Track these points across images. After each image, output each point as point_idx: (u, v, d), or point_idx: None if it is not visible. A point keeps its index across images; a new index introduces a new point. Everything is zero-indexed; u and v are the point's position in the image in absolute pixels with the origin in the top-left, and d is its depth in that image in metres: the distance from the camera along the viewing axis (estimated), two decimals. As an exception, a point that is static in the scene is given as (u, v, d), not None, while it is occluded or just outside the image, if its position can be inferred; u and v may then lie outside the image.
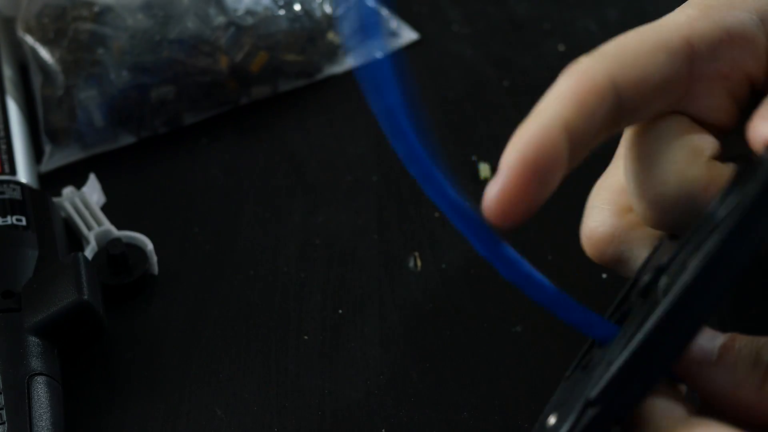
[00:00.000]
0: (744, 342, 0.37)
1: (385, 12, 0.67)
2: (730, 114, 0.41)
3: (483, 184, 0.54)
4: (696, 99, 0.40)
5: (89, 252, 0.52)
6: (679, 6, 0.44)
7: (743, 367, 0.36)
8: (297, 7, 0.62)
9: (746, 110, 0.40)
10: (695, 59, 0.39)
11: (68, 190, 0.55)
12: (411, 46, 0.66)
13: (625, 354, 0.34)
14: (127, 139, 0.60)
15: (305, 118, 0.62)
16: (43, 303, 0.47)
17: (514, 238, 0.54)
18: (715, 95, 0.40)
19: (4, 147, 0.55)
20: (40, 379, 0.45)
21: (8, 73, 0.60)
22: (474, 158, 0.58)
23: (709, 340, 0.37)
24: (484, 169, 0.58)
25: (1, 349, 0.45)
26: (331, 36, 0.64)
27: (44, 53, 0.58)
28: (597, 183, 0.43)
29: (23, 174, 0.54)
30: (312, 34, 0.63)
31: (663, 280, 0.35)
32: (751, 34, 0.40)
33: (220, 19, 0.60)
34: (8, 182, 0.53)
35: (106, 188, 0.56)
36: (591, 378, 0.34)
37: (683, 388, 0.37)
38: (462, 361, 0.49)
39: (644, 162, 0.39)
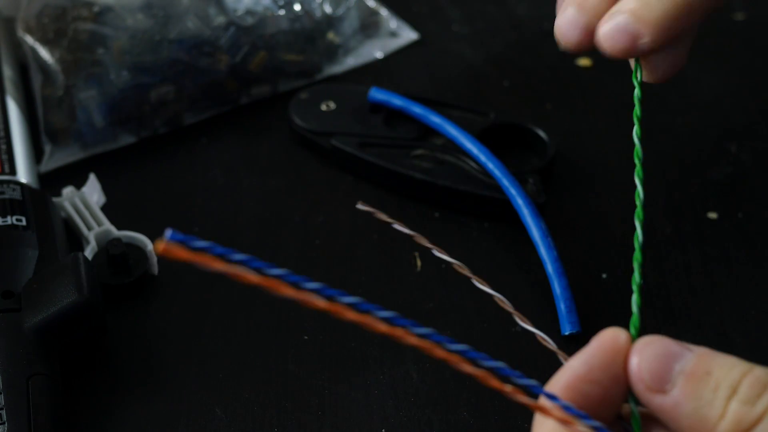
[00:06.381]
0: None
1: (385, 12, 0.67)
2: None
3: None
4: None
5: (89, 252, 0.52)
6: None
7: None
8: (297, 7, 0.62)
9: None
10: None
11: (68, 190, 0.55)
12: (411, 46, 0.66)
13: None
14: (127, 139, 0.60)
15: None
16: (43, 303, 0.46)
17: (515, 238, 0.55)
18: None
19: (4, 147, 0.55)
20: (40, 379, 0.45)
21: (8, 73, 0.60)
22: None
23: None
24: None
25: (1, 349, 0.45)
26: (331, 36, 0.64)
27: (44, 53, 0.58)
28: None
29: (23, 174, 0.54)
30: (312, 34, 0.63)
31: None
32: None
33: (220, 19, 0.60)
34: (8, 182, 0.53)
35: (106, 188, 0.56)
36: None
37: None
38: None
39: None
